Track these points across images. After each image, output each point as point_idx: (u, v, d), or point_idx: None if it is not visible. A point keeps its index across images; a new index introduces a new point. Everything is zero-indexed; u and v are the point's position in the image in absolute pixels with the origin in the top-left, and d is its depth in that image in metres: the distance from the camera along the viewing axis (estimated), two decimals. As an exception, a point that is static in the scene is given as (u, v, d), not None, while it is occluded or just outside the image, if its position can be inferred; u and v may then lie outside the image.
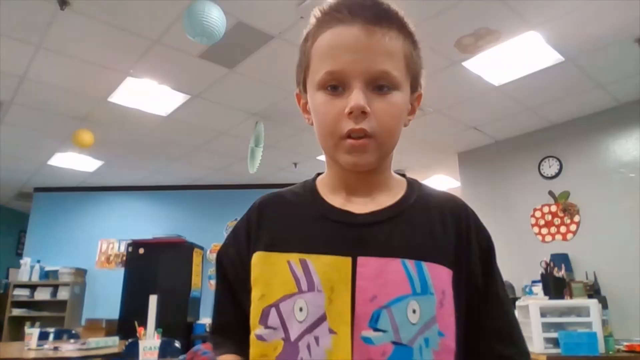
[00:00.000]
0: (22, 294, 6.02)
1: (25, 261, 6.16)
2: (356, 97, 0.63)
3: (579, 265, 4.13)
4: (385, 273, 0.63)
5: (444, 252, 0.67)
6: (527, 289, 3.81)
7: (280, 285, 0.65)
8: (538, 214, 4.61)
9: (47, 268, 6.18)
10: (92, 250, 6.43)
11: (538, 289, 3.30)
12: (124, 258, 6.09)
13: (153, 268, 5.59)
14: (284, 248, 0.67)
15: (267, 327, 0.65)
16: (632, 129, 4.12)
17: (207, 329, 5.48)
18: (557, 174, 4.56)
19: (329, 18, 0.67)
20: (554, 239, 4.46)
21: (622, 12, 2.94)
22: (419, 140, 5.01)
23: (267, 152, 4.44)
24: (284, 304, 0.64)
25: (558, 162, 4.56)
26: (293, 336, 0.63)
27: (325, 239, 0.67)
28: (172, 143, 5.12)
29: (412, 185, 0.75)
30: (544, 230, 4.53)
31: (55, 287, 6.05)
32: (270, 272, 0.67)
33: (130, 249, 5.85)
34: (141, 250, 5.79)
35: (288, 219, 0.71)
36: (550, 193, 4.55)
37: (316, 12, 0.69)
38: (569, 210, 4.40)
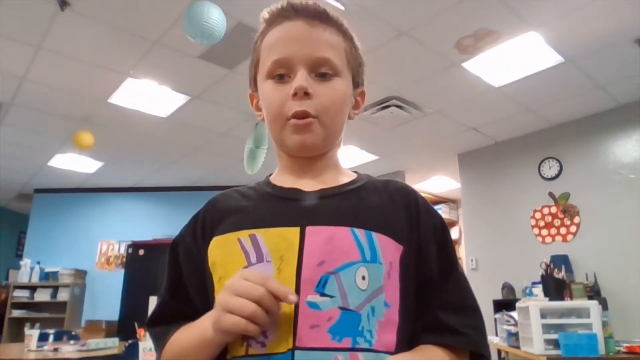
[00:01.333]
0: (22, 295, 6.00)
1: (25, 262, 6.15)
2: (299, 79, 0.68)
3: (579, 267, 4.13)
4: (335, 240, 0.64)
5: (394, 228, 0.67)
6: (527, 291, 3.80)
7: (234, 263, 0.65)
8: (538, 215, 4.60)
9: (47, 269, 6.17)
10: (92, 251, 6.42)
11: (538, 290, 3.29)
12: (124, 259, 6.08)
13: (153, 269, 5.56)
14: (234, 228, 0.68)
15: None
16: (632, 129, 4.12)
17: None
18: (557, 175, 4.55)
19: (276, 17, 0.73)
20: (554, 240, 4.45)
21: (622, 13, 2.94)
22: (419, 141, 5.01)
23: (266, 153, 4.43)
24: None
25: (558, 163, 4.56)
26: None
27: (274, 214, 0.69)
28: (172, 144, 5.12)
29: (362, 175, 0.78)
30: (544, 232, 4.53)
31: (55, 289, 6.04)
32: (224, 253, 0.68)
33: (130, 250, 5.83)
34: (141, 252, 5.77)
35: (241, 205, 0.73)
36: (550, 194, 4.55)
37: (264, 14, 0.75)
38: (569, 211, 4.39)
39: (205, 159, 5.55)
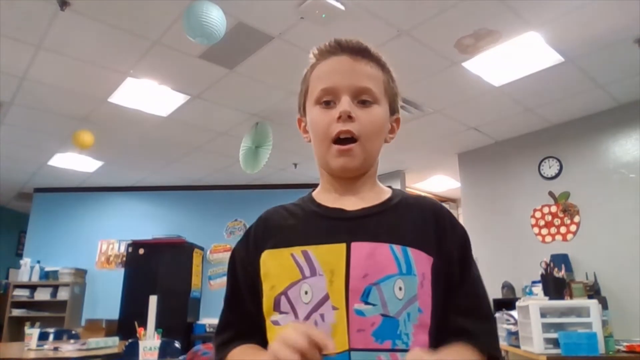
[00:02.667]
0: (22, 294, 6.02)
1: (25, 261, 6.16)
2: (344, 104, 0.79)
3: (579, 266, 4.14)
4: (375, 255, 0.74)
5: (425, 242, 0.78)
6: (527, 290, 3.81)
7: (287, 275, 0.75)
8: (538, 214, 4.61)
9: (47, 268, 6.18)
10: (92, 250, 6.43)
11: (538, 289, 3.30)
12: (124, 258, 6.09)
13: (153, 268, 5.59)
14: (287, 244, 0.78)
15: (280, 312, 0.75)
16: (632, 129, 4.13)
17: (207, 329, 5.48)
18: (557, 175, 4.56)
19: (324, 53, 0.85)
20: (554, 239, 4.46)
21: (621, 13, 2.94)
22: (419, 141, 5.02)
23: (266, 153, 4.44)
24: (291, 290, 0.74)
25: (558, 163, 4.57)
26: (301, 316, 0.72)
27: (322, 232, 0.78)
28: (172, 143, 5.13)
29: (396, 191, 0.88)
30: (544, 231, 4.54)
31: (55, 288, 6.05)
32: (277, 265, 0.77)
33: (130, 250, 5.85)
34: (141, 251, 5.79)
35: (290, 222, 0.83)
36: (550, 193, 4.55)
37: (314, 51, 0.86)
38: (569, 210, 4.40)
39: (205, 158, 5.55)
